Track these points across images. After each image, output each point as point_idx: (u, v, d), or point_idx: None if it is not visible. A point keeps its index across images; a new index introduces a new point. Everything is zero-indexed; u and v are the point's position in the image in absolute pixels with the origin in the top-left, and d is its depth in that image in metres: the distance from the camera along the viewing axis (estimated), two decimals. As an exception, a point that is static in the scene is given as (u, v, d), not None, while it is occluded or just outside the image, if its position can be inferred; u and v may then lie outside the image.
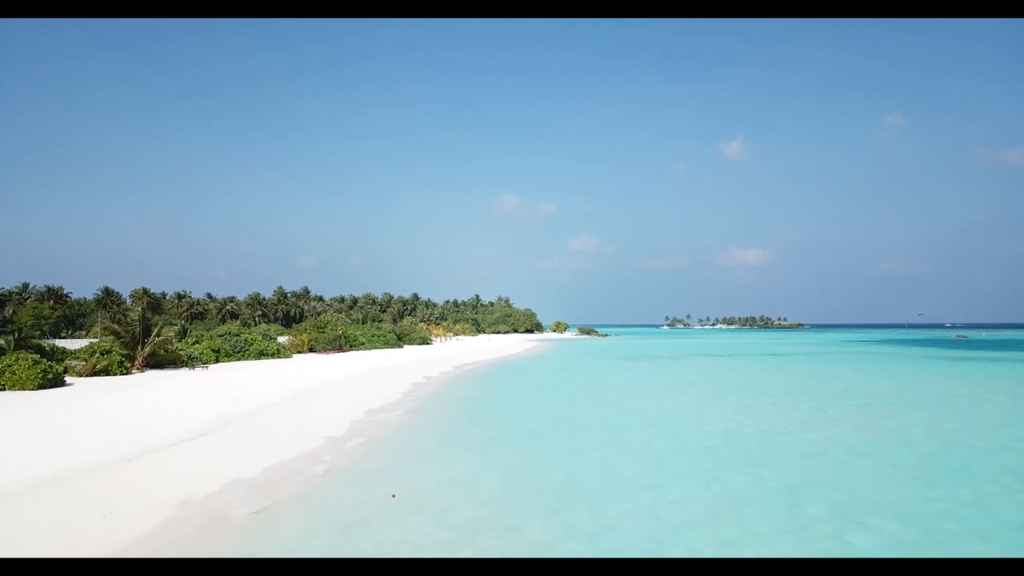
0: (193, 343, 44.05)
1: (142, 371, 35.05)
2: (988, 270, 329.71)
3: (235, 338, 45.93)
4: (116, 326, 35.39)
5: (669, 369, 47.58)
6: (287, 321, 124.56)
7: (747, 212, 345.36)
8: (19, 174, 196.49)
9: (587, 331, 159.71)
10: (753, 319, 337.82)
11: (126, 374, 32.77)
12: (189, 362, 38.52)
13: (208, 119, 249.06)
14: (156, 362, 36.82)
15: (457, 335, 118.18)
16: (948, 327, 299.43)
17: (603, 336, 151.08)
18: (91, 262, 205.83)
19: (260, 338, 47.93)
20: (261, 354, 46.82)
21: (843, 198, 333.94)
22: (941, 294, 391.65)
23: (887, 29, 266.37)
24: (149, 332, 36.21)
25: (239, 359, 45.15)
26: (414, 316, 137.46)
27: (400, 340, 75.55)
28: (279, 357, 48.15)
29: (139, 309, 36.62)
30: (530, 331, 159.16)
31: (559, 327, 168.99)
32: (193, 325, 58.86)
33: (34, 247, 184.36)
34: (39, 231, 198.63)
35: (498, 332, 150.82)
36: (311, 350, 56.04)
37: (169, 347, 37.77)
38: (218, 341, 44.64)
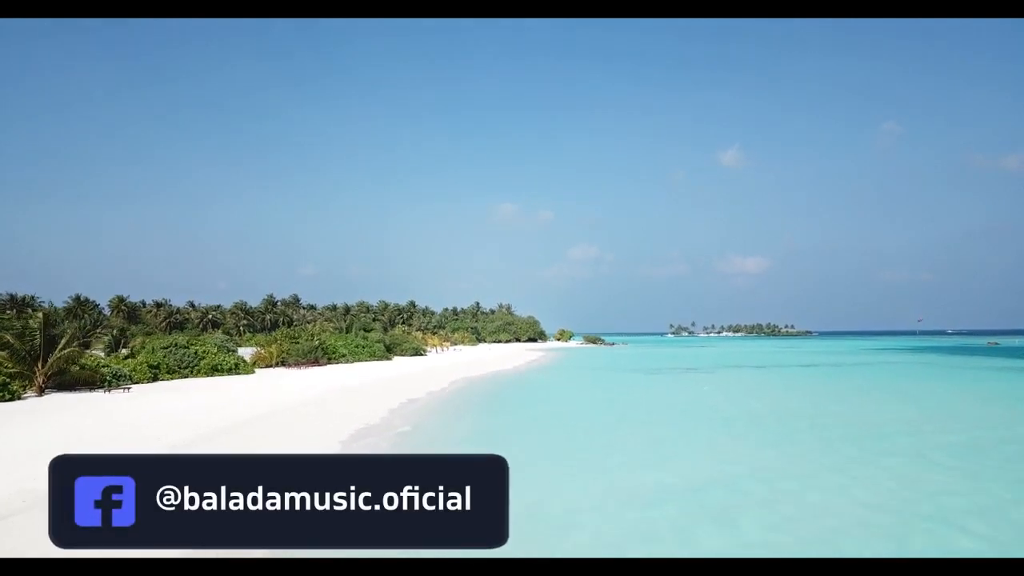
0: (126, 357, 36.38)
1: (41, 394, 27.36)
2: (988, 276, 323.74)
3: (181, 351, 38.21)
4: (8, 336, 27.68)
5: (702, 386, 39.77)
6: (275, 330, 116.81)
7: (746, 220, 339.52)
8: (17, 182, 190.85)
9: (593, 339, 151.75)
10: (760, 326, 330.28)
11: (12, 399, 25.08)
12: (113, 381, 30.85)
13: (206, 128, 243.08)
14: (65, 382, 29.15)
15: (455, 345, 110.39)
16: (950, 333, 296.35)
17: (610, 345, 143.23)
18: (89, 272, 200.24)
19: (214, 350, 40.21)
20: (214, 369, 39.08)
21: (842, 205, 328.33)
22: (941, 300, 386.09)
23: (882, 34, 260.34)
24: (55, 345, 28.50)
25: (186, 376, 37.45)
26: (410, 325, 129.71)
27: (390, 351, 67.78)
28: (238, 373, 40.43)
29: (40, 316, 28.92)
30: (533, 340, 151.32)
31: (563, 335, 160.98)
32: (174, 336, 50.73)
33: (32, 256, 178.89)
34: (36, 240, 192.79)
35: (499, 341, 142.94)
36: (282, 363, 48.31)
37: (83, 363, 30.10)
38: (159, 354, 36.94)
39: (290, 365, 47.98)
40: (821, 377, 47.35)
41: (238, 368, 40.66)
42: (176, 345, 38.67)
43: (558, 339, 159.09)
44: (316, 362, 49.67)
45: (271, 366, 48.20)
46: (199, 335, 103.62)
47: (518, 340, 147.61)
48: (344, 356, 54.26)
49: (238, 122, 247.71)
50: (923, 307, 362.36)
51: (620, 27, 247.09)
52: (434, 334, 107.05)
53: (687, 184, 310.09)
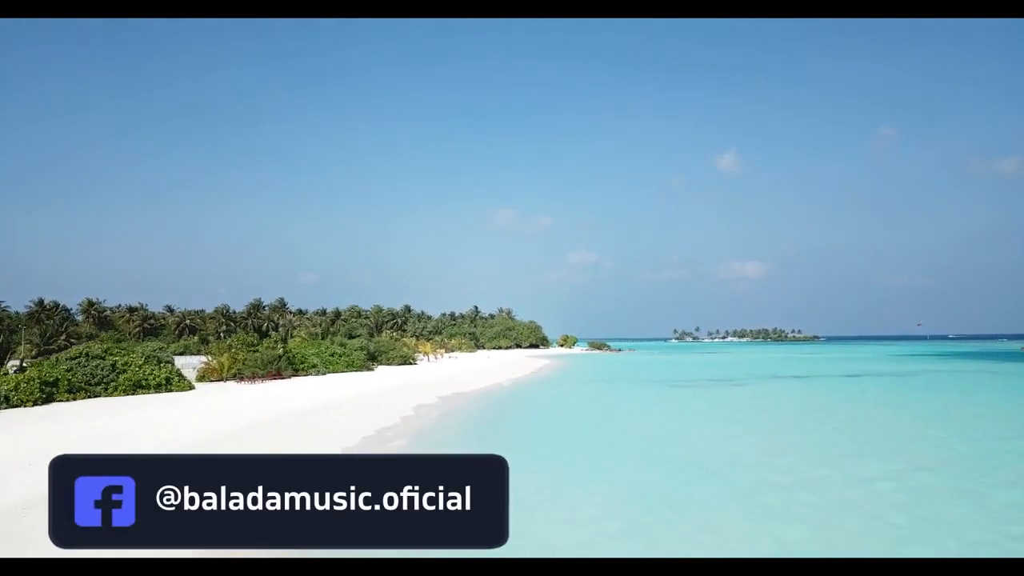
0: (16, 370, 28.27)
1: None
2: (987, 279, 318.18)
3: (94, 363, 30.07)
4: None
5: (756, 406, 31.54)
6: (259, 337, 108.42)
7: (744, 224, 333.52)
8: (17, 191, 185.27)
9: (598, 345, 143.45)
10: (766, 331, 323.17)
11: None
12: (-26, 406, 22.74)
13: (204, 133, 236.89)
14: None
15: (451, 352, 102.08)
16: (951, 338, 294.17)
17: (617, 351, 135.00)
18: (86, 279, 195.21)
19: (139, 361, 32.05)
20: (137, 386, 30.98)
21: (839, 209, 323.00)
22: (940, 305, 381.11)
23: (877, 37, 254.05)
24: None
25: (96, 395, 29.37)
26: (404, 330, 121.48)
27: (374, 359, 59.66)
28: (169, 389, 32.32)
29: None
30: (535, 345, 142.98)
31: (567, 341, 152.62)
32: (86, 344, 42.37)
33: (32, 264, 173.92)
34: (34, 246, 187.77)
35: (499, 347, 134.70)
36: (238, 376, 40.10)
37: (-76, 382, 21.98)
38: (60, 368, 28.80)
39: (245, 378, 39.77)
40: (893, 393, 39.10)
41: (170, 384, 32.50)
42: (86, 355, 30.49)
43: (561, 345, 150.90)
44: (278, 374, 41.47)
45: (223, 379, 40.05)
46: (174, 342, 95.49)
47: (519, 346, 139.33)
48: (315, 366, 46.08)
49: (236, 127, 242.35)
50: (923, 311, 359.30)
51: (616, 31, 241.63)
52: (429, 340, 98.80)
53: (684, 189, 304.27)
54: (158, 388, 31.77)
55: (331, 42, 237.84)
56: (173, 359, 36.21)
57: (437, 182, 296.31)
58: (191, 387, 33.94)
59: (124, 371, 31.08)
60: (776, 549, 9.67)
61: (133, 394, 30.66)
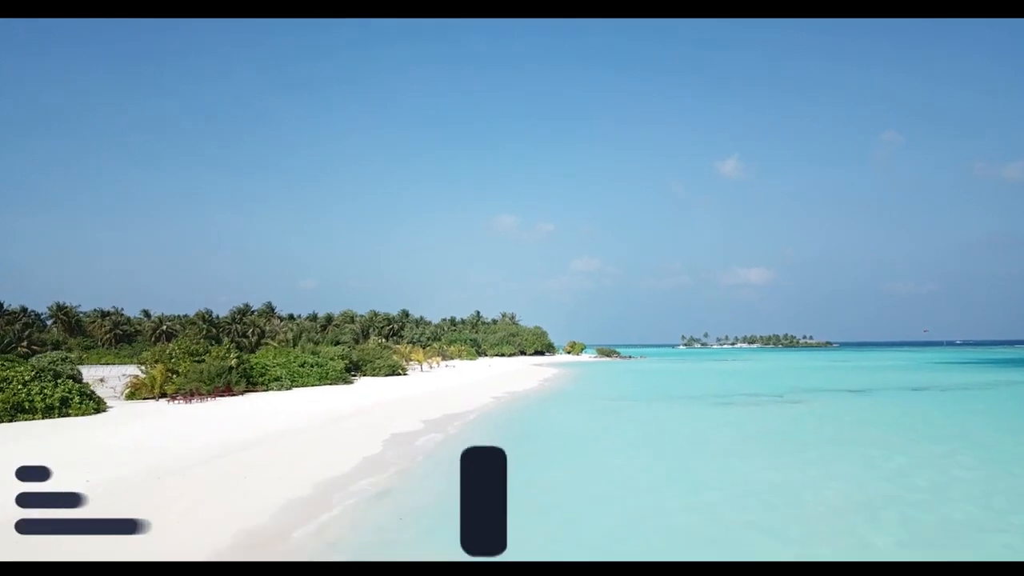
0: None
1: None
2: (993, 285, 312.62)
3: (-47, 379, 22.36)
4: None
5: (841, 442, 23.72)
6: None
7: (747, 230, 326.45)
8: (15, 194, 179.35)
9: (607, 352, 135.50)
10: (777, 337, 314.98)
11: None
12: None
13: (204, 141, 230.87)
14: None
15: (449, 360, 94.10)
16: (958, 344, 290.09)
17: (627, 358, 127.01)
18: (87, 284, 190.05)
19: (26, 376, 24.30)
20: (18, 410, 23.27)
21: (843, 215, 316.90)
22: (947, 311, 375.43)
23: (878, 40, 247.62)
24: None
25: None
26: (400, 336, 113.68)
27: (357, 370, 51.95)
28: (67, 413, 24.59)
29: None
30: (540, 352, 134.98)
31: (575, 348, 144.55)
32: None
33: (35, 270, 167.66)
34: (36, 251, 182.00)
35: (502, 355, 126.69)
36: (178, 392, 32.32)
37: None
38: (-103, 387, 21.10)
39: (187, 396, 31.96)
40: (1005, 418, 31.25)
41: (67, 406, 24.73)
42: (-54, 369, 22.79)
43: (568, 352, 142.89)
44: (228, 390, 33.67)
45: (159, 395, 32.29)
46: (147, 349, 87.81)
47: (523, 353, 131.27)
48: (279, 379, 38.30)
49: (236, 133, 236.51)
50: (928, 317, 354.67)
51: (617, 35, 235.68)
52: (424, 347, 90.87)
53: (687, 195, 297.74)
54: (48, 412, 24.00)
55: (331, 47, 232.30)
56: (79, 372, 28.47)
57: (437, 188, 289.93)
58: (98, 409, 26.14)
59: (4, 388, 23.36)
60: None
61: (11, 421, 22.96)
